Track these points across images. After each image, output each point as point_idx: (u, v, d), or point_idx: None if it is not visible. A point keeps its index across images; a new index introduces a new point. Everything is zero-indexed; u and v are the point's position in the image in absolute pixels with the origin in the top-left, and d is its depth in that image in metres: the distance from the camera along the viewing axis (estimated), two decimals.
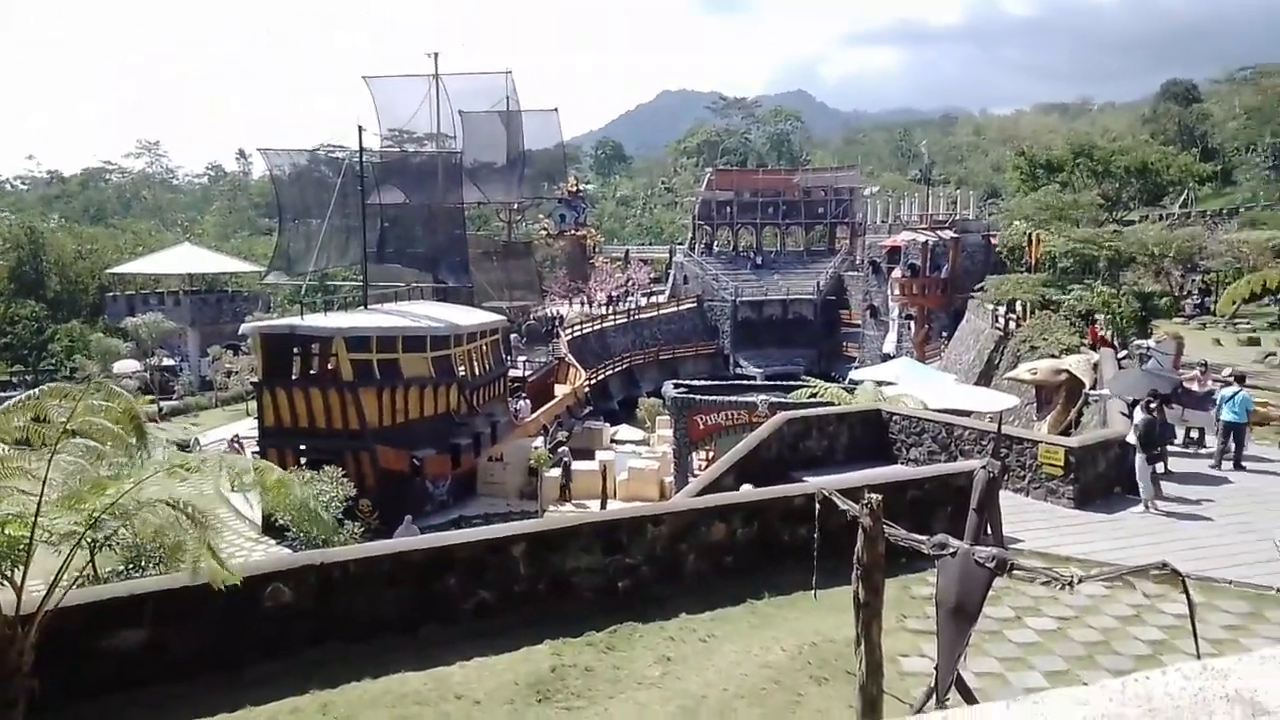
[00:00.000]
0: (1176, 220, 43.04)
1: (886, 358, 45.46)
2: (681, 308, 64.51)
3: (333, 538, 13.89)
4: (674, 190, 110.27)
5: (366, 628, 8.71)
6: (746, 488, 13.90)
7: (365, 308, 31.63)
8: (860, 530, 7.46)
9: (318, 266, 38.03)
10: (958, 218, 51.63)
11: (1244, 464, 15.62)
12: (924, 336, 49.31)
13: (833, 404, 21.80)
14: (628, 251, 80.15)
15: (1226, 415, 15.64)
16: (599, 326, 56.55)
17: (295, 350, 26.67)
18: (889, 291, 53.98)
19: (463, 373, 30.55)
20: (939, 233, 50.44)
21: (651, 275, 71.39)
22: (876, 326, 56.65)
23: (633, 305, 62.74)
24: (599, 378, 50.65)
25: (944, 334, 47.91)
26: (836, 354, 59.64)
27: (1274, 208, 32.57)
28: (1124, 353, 23.60)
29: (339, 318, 29.04)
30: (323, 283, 46.12)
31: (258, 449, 25.86)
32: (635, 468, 29.95)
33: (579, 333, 52.91)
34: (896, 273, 52.56)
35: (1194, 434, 17.24)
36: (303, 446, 25.26)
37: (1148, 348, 21.86)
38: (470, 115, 42.99)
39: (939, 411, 19.62)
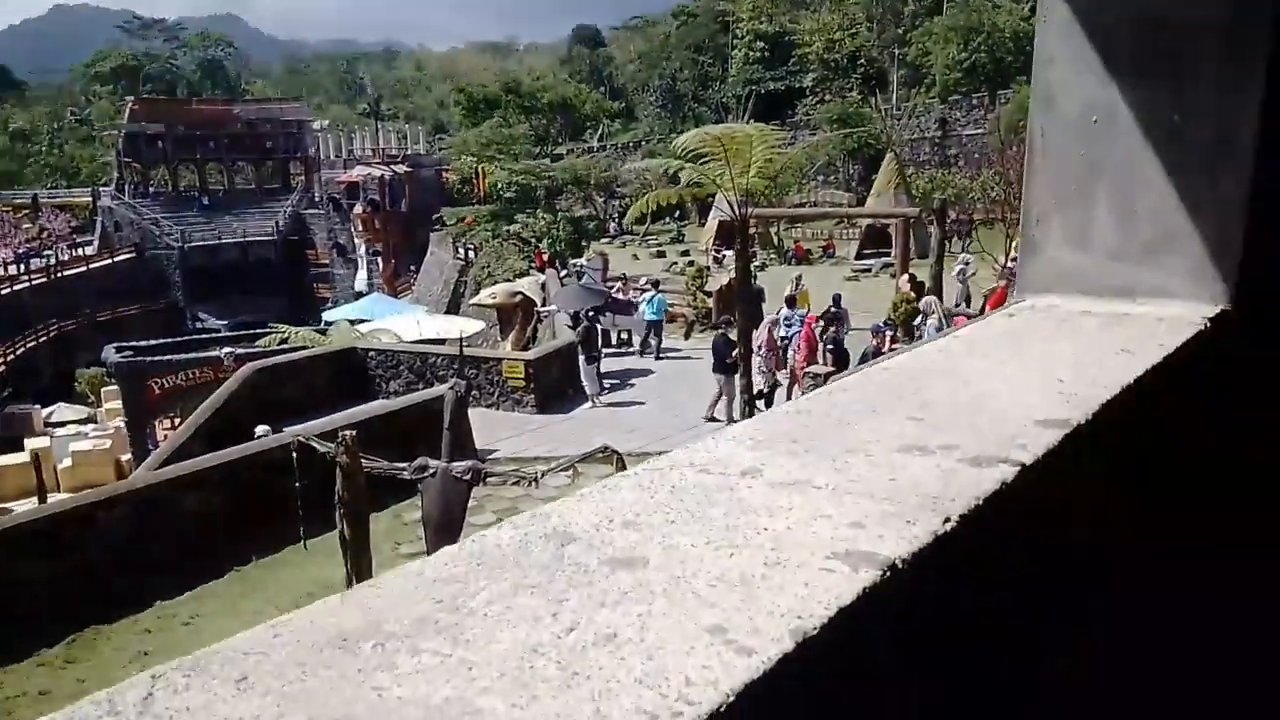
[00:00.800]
0: (596, 153, 49.25)
1: (359, 296, 45.07)
2: (118, 260, 55.88)
3: None
4: (89, 123, 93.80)
5: None
6: (262, 429, 13.04)
7: None
8: (338, 469, 7.61)
9: None
10: (410, 152, 52.47)
11: (662, 354, 19.04)
12: (393, 271, 49.82)
13: (305, 348, 21.21)
14: (35, 197, 66.58)
15: (648, 315, 18.88)
16: (9, 290, 46.70)
17: None
18: (353, 228, 53.20)
19: None
20: (393, 167, 50.84)
21: (72, 224, 60.43)
22: (346, 264, 55.59)
23: (52, 262, 52.71)
24: (17, 352, 42.18)
25: (412, 267, 48.91)
26: (308, 296, 57.27)
27: (666, 140, 39.18)
28: (565, 272, 26.68)
29: None
30: None
31: None
32: (80, 451, 25.82)
33: None
34: (358, 209, 51.93)
35: (624, 335, 20.43)
36: None
37: (581, 266, 25.05)
38: None
39: (414, 343, 20.32)
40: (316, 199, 60.11)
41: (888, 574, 0.88)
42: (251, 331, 28.94)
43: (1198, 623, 1.96)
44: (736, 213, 12.61)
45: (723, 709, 0.69)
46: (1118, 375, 1.52)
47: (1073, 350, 1.70)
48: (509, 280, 27.38)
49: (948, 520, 0.99)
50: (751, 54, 47.96)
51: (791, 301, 15.63)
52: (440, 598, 0.85)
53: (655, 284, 20.46)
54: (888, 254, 27.92)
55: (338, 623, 0.81)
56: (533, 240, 32.52)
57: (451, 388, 10.63)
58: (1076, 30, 2.02)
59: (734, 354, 13.43)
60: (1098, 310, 2.01)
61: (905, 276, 18.42)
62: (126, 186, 61.06)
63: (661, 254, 35.23)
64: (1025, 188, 2.20)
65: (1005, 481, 1.10)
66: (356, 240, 53.34)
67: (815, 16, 46.35)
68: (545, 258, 30.12)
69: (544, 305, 22.32)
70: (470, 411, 14.03)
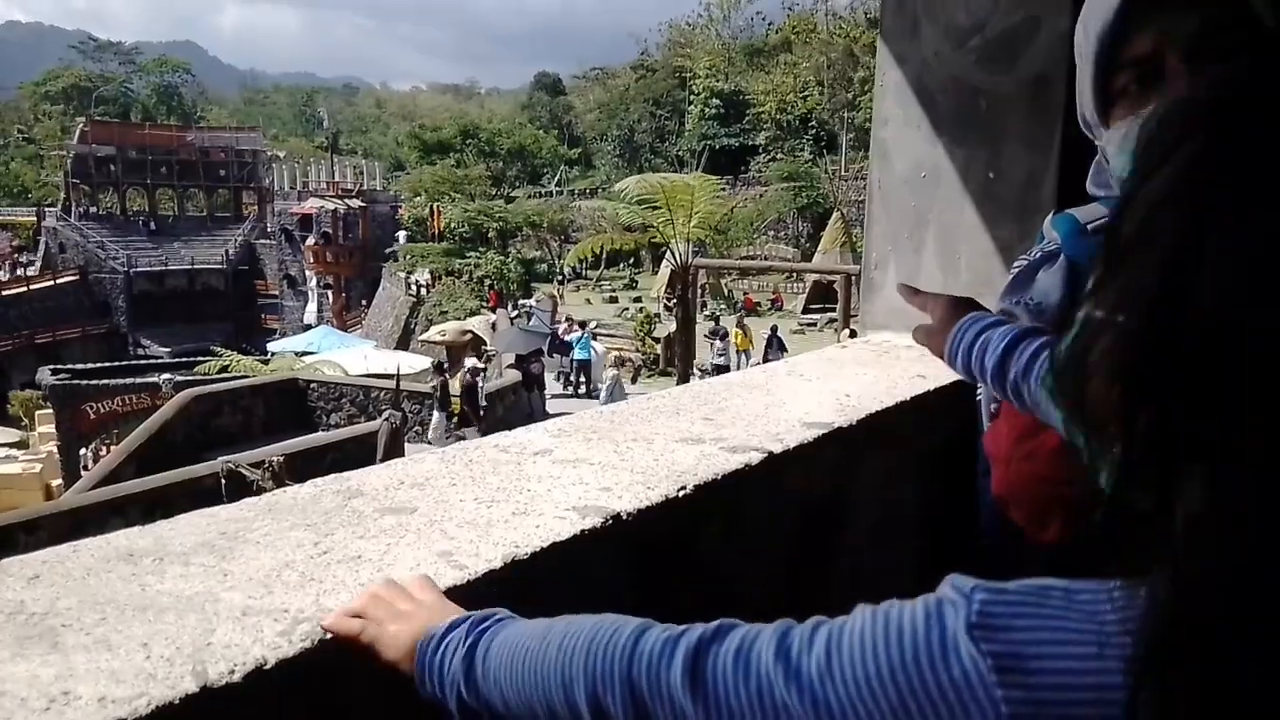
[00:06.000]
0: (553, 198, 49.85)
1: (308, 328, 44.62)
2: (60, 282, 54.57)
3: None
4: (36, 142, 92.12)
5: None
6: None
7: None
8: (262, 495, 7.59)
9: None
10: (365, 188, 52.51)
11: (595, 392, 19.30)
12: (343, 305, 49.44)
13: (246, 376, 20.97)
14: None
15: (578, 354, 19.23)
16: None
17: None
18: (305, 260, 52.81)
19: None
20: (348, 201, 50.77)
21: (15, 243, 59.03)
22: (295, 297, 55.01)
23: None
24: None
25: (363, 302, 48.62)
26: (255, 327, 56.42)
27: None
28: (515, 312, 26.83)
29: None
30: None
31: None
32: (7, 474, 25.00)
33: None
34: (310, 240, 51.61)
35: (573, 376, 20.64)
36: None
37: (530, 306, 25.25)
38: None
39: (360, 376, 20.22)
40: (269, 229, 59.57)
41: (609, 521, 1.06)
42: (194, 359, 28.48)
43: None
44: (678, 260, 12.92)
45: None
46: (902, 392, 1.74)
47: (877, 375, 1.92)
48: (460, 319, 27.43)
49: (683, 489, 1.17)
50: (707, 110, 49.14)
51: (723, 335, 17.06)
52: (225, 530, 1.01)
53: (582, 324, 21.05)
54: (833, 309, 28.58)
55: (130, 544, 0.97)
56: (485, 280, 32.68)
57: (386, 419, 10.67)
58: (908, 94, 2.28)
59: None
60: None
61: (846, 331, 18.98)
62: (73, 208, 59.92)
63: (614, 299, 35.60)
64: (866, 235, 2.44)
65: (749, 464, 1.29)
66: (308, 272, 52.90)
67: (769, 78, 47.72)
68: (498, 297, 30.29)
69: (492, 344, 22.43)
70: (411, 446, 14.02)
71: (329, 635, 0.79)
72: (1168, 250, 0.44)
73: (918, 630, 0.51)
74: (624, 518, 1.08)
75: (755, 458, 1.31)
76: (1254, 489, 0.40)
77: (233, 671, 0.72)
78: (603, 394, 17.95)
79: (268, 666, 0.74)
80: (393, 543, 0.99)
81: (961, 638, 0.50)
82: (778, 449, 1.36)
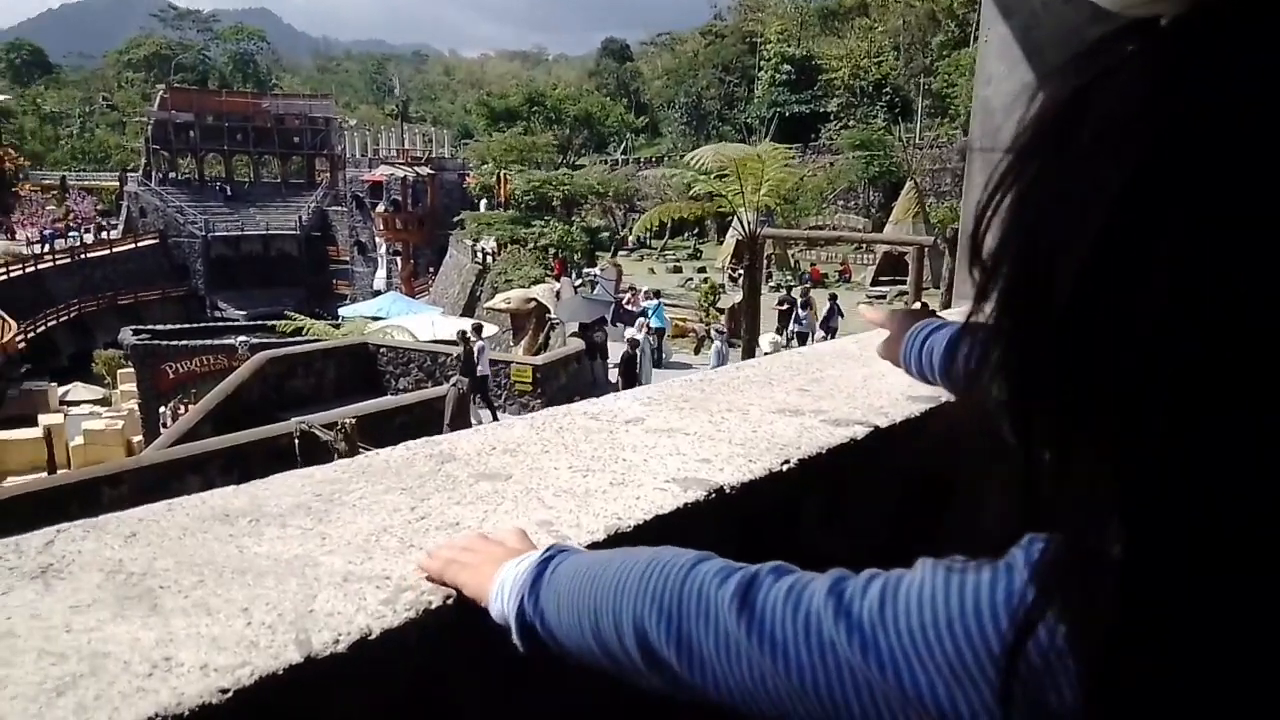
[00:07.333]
0: (619, 166, 49.63)
1: (377, 294, 45.46)
2: (141, 245, 56.52)
3: None
4: (119, 109, 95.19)
5: None
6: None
7: None
8: (335, 455, 7.76)
9: None
10: (434, 155, 52.98)
11: (664, 363, 19.24)
12: (411, 271, 50.20)
13: (319, 339, 21.46)
14: (64, 179, 67.61)
15: (655, 323, 19.18)
16: (34, 269, 47.26)
17: None
18: (375, 227, 53.69)
19: None
20: (417, 169, 51.32)
21: (99, 207, 61.24)
22: (366, 263, 56.04)
23: (77, 243, 53.41)
24: (38, 330, 42.68)
25: (430, 269, 49.29)
26: (327, 292, 57.71)
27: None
28: (579, 281, 26.89)
29: None
30: None
31: None
32: (92, 430, 26.14)
33: (3, 276, 43.75)
34: (380, 207, 52.40)
35: (651, 344, 20.68)
36: None
37: (594, 275, 25.25)
38: None
39: (428, 342, 20.53)
40: (340, 196, 60.71)
41: (712, 495, 1.00)
42: (268, 323, 29.27)
43: None
44: (746, 230, 12.73)
45: None
46: None
47: None
48: (524, 286, 27.58)
49: (786, 462, 1.11)
50: (778, 76, 48.18)
51: (806, 304, 16.73)
52: (320, 492, 0.98)
53: (656, 293, 20.97)
54: (903, 281, 27.97)
55: (225, 504, 0.94)
56: (549, 248, 32.78)
57: (454, 385, 10.79)
58: (1014, 50, 2.15)
59: None
60: None
61: (918, 304, 18.59)
62: (153, 173, 61.85)
63: (678, 269, 35.41)
64: (964, 199, 2.32)
65: (854, 438, 1.22)
66: (377, 239, 53.80)
67: (843, 43, 46.56)
68: (563, 266, 30.38)
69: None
70: (477, 412, 14.19)
71: (431, 603, 0.75)
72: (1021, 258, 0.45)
73: (981, 586, 0.50)
74: (727, 491, 1.02)
75: (860, 431, 1.24)
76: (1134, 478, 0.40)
77: (338, 641, 0.69)
78: (712, 359, 17.71)
79: (372, 637, 0.70)
80: (490, 509, 0.95)
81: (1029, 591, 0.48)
82: (883, 423, 1.28)
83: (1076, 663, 0.44)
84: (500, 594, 0.73)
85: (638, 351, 16.39)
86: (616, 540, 0.89)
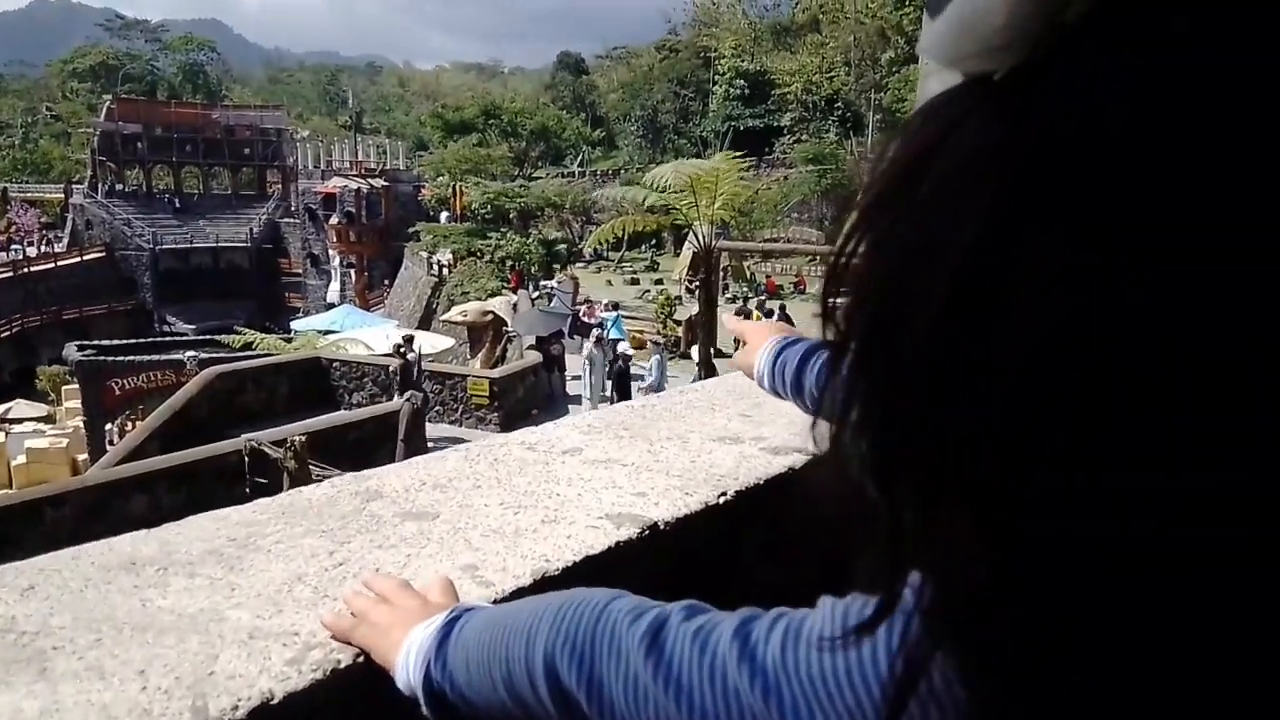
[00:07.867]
0: (575, 179, 49.56)
1: (331, 307, 44.83)
2: (87, 258, 55.08)
3: None
4: (64, 119, 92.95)
5: None
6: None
7: None
8: (285, 473, 7.62)
9: None
10: (389, 167, 52.52)
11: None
12: (365, 284, 49.63)
13: (270, 354, 21.10)
14: (4, 191, 65.75)
15: (613, 334, 19.11)
16: None
17: None
18: (328, 239, 52.99)
19: None
20: (371, 181, 50.82)
21: (43, 219, 59.63)
22: (319, 275, 55.25)
23: (19, 256, 51.93)
24: None
25: (385, 281, 48.74)
26: (279, 305, 56.76)
27: (645, 169, 39.59)
28: (536, 294, 26.79)
29: None
30: None
31: None
32: (35, 448, 25.34)
33: None
34: (333, 219, 51.76)
35: (608, 358, 20.59)
36: None
37: (551, 288, 25.19)
38: None
39: (382, 356, 20.25)
40: (292, 208, 59.78)
41: (645, 532, 0.98)
42: (218, 337, 28.68)
43: None
44: (701, 243, 12.80)
45: None
46: None
47: None
48: (481, 299, 27.40)
49: (724, 494, 1.09)
50: (732, 90, 48.59)
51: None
52: (235, 536, 0.94)
53: (615, 305, 20.88)
54: None
55: (133, 550, 0.90)
56: (506, 260, 32.65)
57: (408, 399, 10.66)
58: (952, 72, 2.17)
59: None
60: None
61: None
62: (100, 185, 60.42)
63: (635, 281, 35.43)
64: None
65: (793, 467, 1.20)
66: (330, 251, 53.09)
67: (795, 58, 47.08)
68: (520, 278, 30.25)
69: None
70: (431, 427, 14.02)
71: (340, 663, 0.72)
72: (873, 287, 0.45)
73: (879, 630, 0.47)
74: (661, 527, 1.00)
75: (799, 460, 1.23)
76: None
77: (236, 707, 0.65)
78: (653, 376, 17.60)
79: (275, 701, 0.67)
80: (413, 553, 0.91)
81: None
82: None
83: (971, 699, 0.43)
84: (406, 663, 0.70)
85: (628, 365, 16.42)
86: (543, 585, 0.87)
